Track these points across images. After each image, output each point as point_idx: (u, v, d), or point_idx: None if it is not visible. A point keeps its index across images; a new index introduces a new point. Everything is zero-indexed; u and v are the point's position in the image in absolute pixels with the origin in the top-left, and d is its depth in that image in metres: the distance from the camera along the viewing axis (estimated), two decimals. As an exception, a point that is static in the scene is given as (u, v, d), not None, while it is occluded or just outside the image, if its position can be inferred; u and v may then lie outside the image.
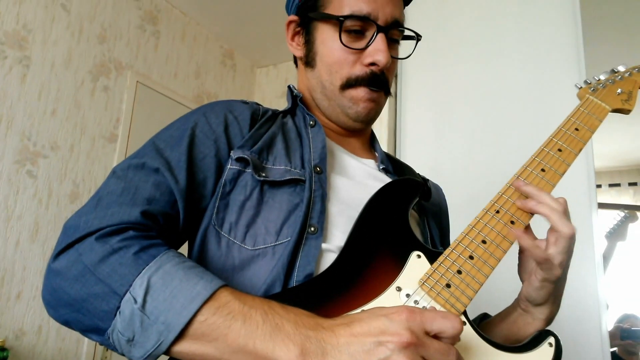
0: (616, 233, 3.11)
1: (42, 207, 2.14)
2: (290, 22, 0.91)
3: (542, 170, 0.76)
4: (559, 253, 0.67)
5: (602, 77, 0.94)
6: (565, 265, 0.69)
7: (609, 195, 4.90)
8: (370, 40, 0.82)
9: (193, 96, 2.99)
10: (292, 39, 0.91)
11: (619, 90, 0.91)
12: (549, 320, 0.73)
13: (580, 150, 0.80)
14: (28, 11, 2.14)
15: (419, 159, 2.17)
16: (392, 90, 0.92)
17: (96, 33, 2.43)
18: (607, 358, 1.70)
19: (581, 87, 0.93)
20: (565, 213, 0.69)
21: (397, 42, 0.88)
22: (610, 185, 4.93)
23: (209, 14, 2.97)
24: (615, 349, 3.13)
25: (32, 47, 2.15)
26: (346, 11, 0.81)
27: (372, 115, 0.87)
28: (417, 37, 0.88)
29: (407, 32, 0.88)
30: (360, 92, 0.83)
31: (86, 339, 2.23)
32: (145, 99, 2.65)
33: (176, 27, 2.92)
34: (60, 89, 2.24)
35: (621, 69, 0.97)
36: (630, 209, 4.09)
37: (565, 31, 2.02)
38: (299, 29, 0.90)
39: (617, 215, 3.18)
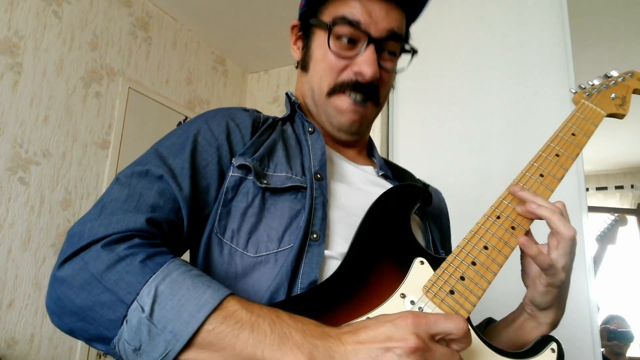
0: (606, 236, 3.15)
1: (34, 214, 2.12)
2: (293, 27, 0.92)
3: (541, 175, 0.76)
4: (561, 256, 0.67)
5: (596, 82, 0.95)
6: (568, 269, 0.69)
7: (596, 199, 4.96)
8: (360, 51, 0.82)
9: (185, 102, 2.98)
10: (295, 43, 0.92)
11: (613, 95, 0.92)
12: (554, 324, 0.73)
13: (578, 155, 0.81)
14: (19, 18, 2.13)
15: (411, 165, 2.18)
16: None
17: (88, 40, 2.41)
18: (599, 358, 1.73)
19: (576, 92, 0.94)
20: (565, 216, 0.70)
21: (395, 55, 0.87)
22: (598, 189, 4.98)
23: (200, 21, 2.97)
24: (602, 350, 3.17)
25: (24, 54, 2.13)
26: (339, 17, 0.82)
27: (357, 127, 0.86)
28: (413, 52, 0.88)
29: (407, 47, 0.87)
30: (344, 103, 0.83)
31: (79, 348, 2.20)
32: (137, 105, 2.64)
33: (168, 34, 2.92)
34: (52, 96, 2.23)
35: (614, 74, 0.98)
36: (618, 212, 4.14)
37: (553, 39, 2.05)
38: (300, 33, 0.91)
39: (608, 219, 3.22)
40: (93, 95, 2.41)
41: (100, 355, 2.28)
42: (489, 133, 2.08)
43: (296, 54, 0.92)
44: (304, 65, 0.89)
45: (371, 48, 0.81)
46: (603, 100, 0.91)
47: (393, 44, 0.84)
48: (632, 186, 4.82)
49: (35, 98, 2.16)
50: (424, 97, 2.26)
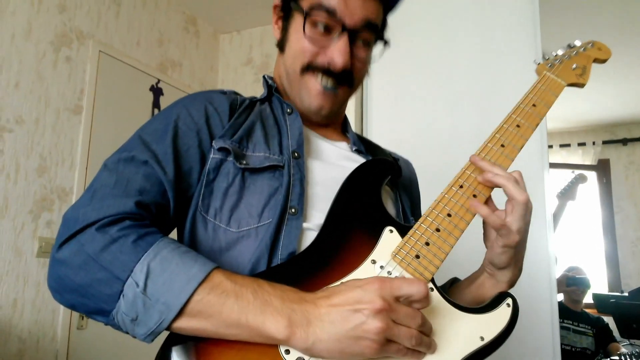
0: (567, 193, 3.28)
1: (11, 182, 2.12)
2: (275, 6, 0.93)
3: (502, 145, 0.81)
4: (516, 220, 0.72)
5: (559, 53, 0.98)
6: (523, 232, 0.74)
7: (559, 156, 5.09)
8: (334, 39, 0.84)
9: (156, 64, 2.95)
10: (276, 22, 0.93)
11: (574, 65, 0.95)
12: (512, 282, 0.79)
13: (537, 124, 0.85)
14: (-17, -20, 2.07)
15: (384, 130, 2.26)
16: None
17: (55, 2, 2.36)
18: (555, 306, 1.87)
19: (539, 63, 0.97)
20: (519, 183, 0.75)
21: (369, 45, 0.88)
22: (561, 146, 5.11)
23: (170, -20, 2.91)
24: (561, 298, 3.37)
25: (-10, 18, 2.09)
26: (315, 4, 0.83)
27: (326, 112, 0.89)
28: (385, 43, 0.90)
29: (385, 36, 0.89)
30: (315, 86, 0.86)
31: (61, 311, 2.26)
32: (109, 68, 2.61)
33: (137, -7, 2.86)
34: (22, 61, 2.19)
35: (577, 43, 1.01)
36: (579, 168, 4.31)
37: (522, 5, 2.10)
38: (281, 13, 0.92)
39: (569, 176, 3.36)
40: (63, 59, 2.38)
41: (82, 317, 2.34)
42: (459, 97, 2.15)
43: (277, 33, 0.93)
44: (281, 46, 0.91)
45: (344, 38, 0.82)
46: (564, 70, 0.94)
47: (367, 34, 0.86)
48: (593, 143, 4.98)
49: (5, 64, 2.13)
50: (396, 64, 2.31)
